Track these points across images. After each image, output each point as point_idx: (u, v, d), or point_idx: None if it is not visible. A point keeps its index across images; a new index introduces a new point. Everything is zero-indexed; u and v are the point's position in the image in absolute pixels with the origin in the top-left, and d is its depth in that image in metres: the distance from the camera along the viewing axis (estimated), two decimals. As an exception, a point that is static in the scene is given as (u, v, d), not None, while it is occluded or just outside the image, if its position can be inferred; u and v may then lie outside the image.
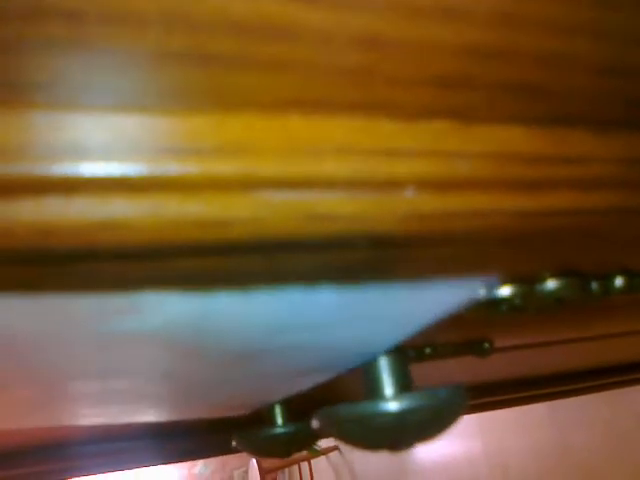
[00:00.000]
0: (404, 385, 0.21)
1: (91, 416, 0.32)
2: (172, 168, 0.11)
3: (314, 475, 3.18)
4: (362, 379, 0.22)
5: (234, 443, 0.33)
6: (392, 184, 0.13)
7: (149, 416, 0.34)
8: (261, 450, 0.32)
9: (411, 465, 2.22)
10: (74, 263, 0.12)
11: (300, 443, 0.31)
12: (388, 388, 0.21)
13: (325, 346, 0.19)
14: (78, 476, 0.77)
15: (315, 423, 0.21)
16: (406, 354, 0.21)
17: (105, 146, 0.11)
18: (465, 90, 0.13)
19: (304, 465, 3.20)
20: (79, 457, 0.73)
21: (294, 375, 0.24)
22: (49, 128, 0.11)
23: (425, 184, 0.13)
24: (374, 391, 0.21)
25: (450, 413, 0.20)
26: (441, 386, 0.20)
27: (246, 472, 3.24)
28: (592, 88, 0.14)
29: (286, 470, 3.64)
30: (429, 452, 2.10)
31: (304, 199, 0.12)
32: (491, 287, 0.19)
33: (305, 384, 0.27)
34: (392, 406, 0.19)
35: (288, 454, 0.32)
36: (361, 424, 0.19)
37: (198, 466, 3.65)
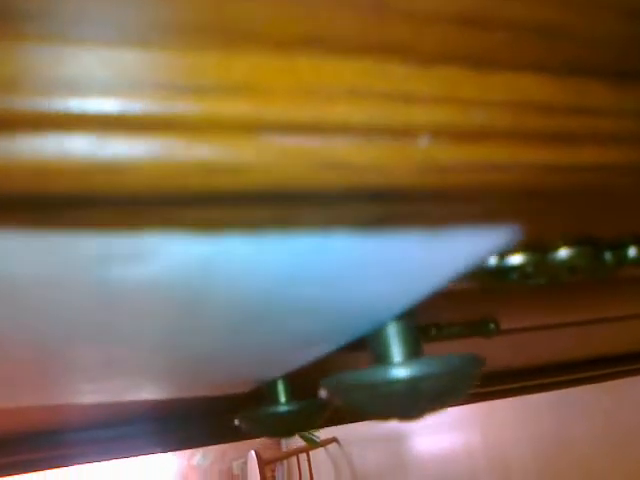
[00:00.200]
0: (414, 351, 0.20)
1: (88, 392, 0.31)
2: (175, 107, 0.11)
3: (312, 467, 3.18)
4: (369, 347, 0.21)
5: (237, 422, 0.32)
6: (407, 131, 0.12)
7: (148, 393, 0.33)
8: (265, 429, 0.32)
9: (409, 457, 2.22)
10: (71, 209, 0.11)
11: (304, 422, 0.30)
12: (397, 354, 0.20)
13: (333, 306, 0.19)
14: (75, 464, 0.77)
15: (323, 392, 0.21)
16: (414, 319, 0.20)
17: (104, 82, 0.10)
18: (484, 31, 0.12)
19: (303, 457, 3.21)
20: (76, 444, 0.73)
21: (298, 345, 0.23)
22: (42, 61, 0.10)
23: (441, 133, 0.13)
24: (383, 357, 0.20)
25: (463, 381, 0.19)
26: (454, 353, 0.19)
27: (245, 463, 3.24)
28: (620, 34, 0.13)
29: (285, 462, 3.64)
30: (428, 444, 2.10)
31: (316, 145, 0.12)
32: (506, 246, 0.19)
33: (308, 356, 0.26)
34: (403, 372, 0.18)
35: (292, 433, 0.31)
36: (370, 391, 0.19)
37: (197, 457, 3.65)
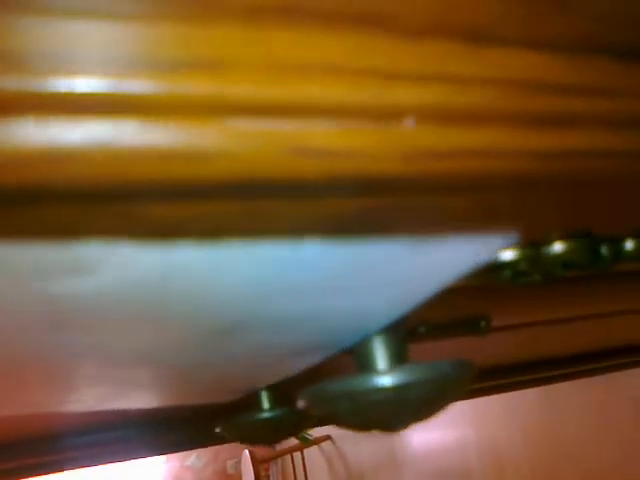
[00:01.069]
0: (399, 358, 0.19)
1: (74, 402, 0.30)
2: (125, 85, 0.09)
3: (307, 465, 3.17)
4: (353, 354, 0.20)
5: (218, 430, 0.31)
6: (390, 113, 0.11)
7: (132, 402, 0.32)
8: (247, 436, 0.30)
9: (403, 453, 2.22)
10: (9, 206, 0.10)
11: (288, 429, 0.29)
12: (382, 362, 0.18)
13: (313, 319, 0.17)
14: (72, 468, 0.75)
15: (301, 403, 0.19)
16: (402, 326, 0.19)
17: (39, 55, 0.09)
18: (478, 1, 0.11)
19: (297, 455, 3.20)
20: (73, 449, 0.72)
21: (281, 356, 0.22)
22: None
23: (429, 114, 0.11)
24: (366, 365, 0.19)
25: (450, 388, 0.18)
26: (441, 360, 0.18)
27: (239, 462, 3.23)
28: (631, 9, 0.12)
29: (279, 460, 3.63)
30: (421, 440, 2.09)
31: (288, 129, 0.10)
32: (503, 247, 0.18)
33: (293, 368, 0.25)
34: (386, 380, 0.17)
35: (275, 441, 0.30)
36: (352, 401, 0.17)
37: (191, 458, 3.63)
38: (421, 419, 0.19)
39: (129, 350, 0.19)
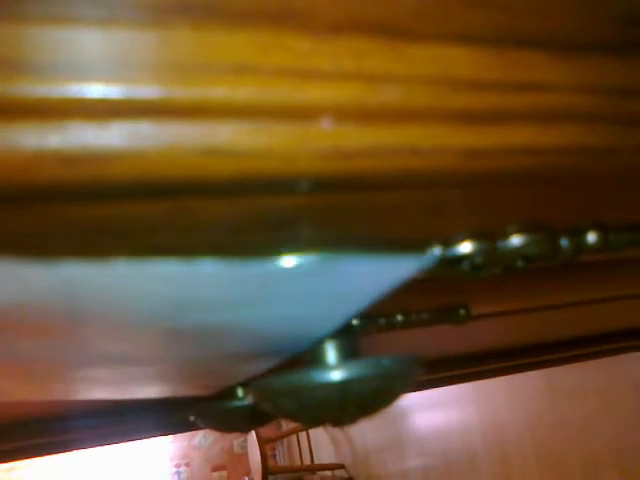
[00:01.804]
0: (348, 352, 0.18)
1: (46, 391, 0.30)
2: (18, 87, 0.09)
3: (312, 445, 3.21)
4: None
5: (192, 418, 0.31)
6: (305, 112, 0.11)
7: (99, 394, 0.32)
8: (221, 424, 0.30)
9: (407, 434, 2.23)
10: None
11: (260, 417, 0.29)
12: (331, 356, 0.18)
13: (254, 329, 0.17)
14: (79, 449, 0.76)
15: (250, 398, 0.19)
16: (352, 323, 0.19)
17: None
18: (391, -4, 0.11)
19: (302, 435, 3.23)
20: (79, 430, 0.73)
21: (237, 360, 0.21)
22: None
23: (346, 114, 0.11)
24: (313, 361, 0.19)
25: (396, 383, 0.18)
26: (388, 354, 0.18)
27: (245, 442, 3.27)
28: (565, 2, 0.11)
29: (284, 440, 3.67)
30: (425, 421, 2.11)
31: (195, 130, 0.10)
32: (449, 245, 0.17)
33: (258, 369, 0.25)
34: (329, 376, 0.17)
35: (248, 429, 0.30)
36: (296, 397, 0.17)
37: (198, 437, 3.68)
38: (369, 414, 0.19)
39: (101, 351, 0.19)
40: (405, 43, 0.11)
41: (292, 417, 0.18)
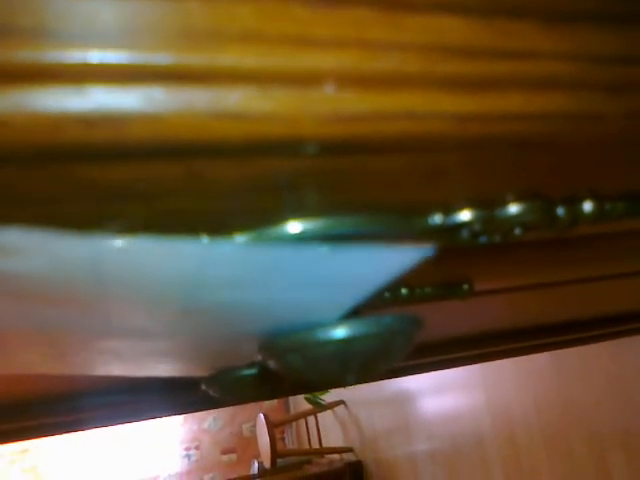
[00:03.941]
0: (351, 312, 0.19)
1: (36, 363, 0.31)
2: (41, 53, 0.10)
3: (320, 429, 3.24)
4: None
5: (203, 387, 0.32)
6: (309, 78, 0.12)
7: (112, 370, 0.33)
8: (230, 393, 0.31)
9: (415, 418, 2.25)
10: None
11: (270, 386, 0.30)
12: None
13: (261, 312, 0.18)
14: (90, 428, 0.77)
15: (259, 356, 0.20)
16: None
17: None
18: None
19: (311, 419, 3.27)
20: (90, 409, 0.73)
21: (245, 341, 0.22)
22: None
23: (346, 80, 0.12)
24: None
25: (398, 342, 0.19)
26: (389, 314, 0.19)
27: (254, 426, 3.30)
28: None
29: (293, 424, 3.71)
30: (433, 405, 2.12)
31: (205, 94, 0.11)
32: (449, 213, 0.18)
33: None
34: (334, 333, 0.18)
35: (257, 397, 0.31)
36: (302, 355, 0.18)
37: (208, 420, 3.73)
38: (372, 372, 0.20)
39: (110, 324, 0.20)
40: (402, 13, 0.12)
41: (299, 375, 0.19)
